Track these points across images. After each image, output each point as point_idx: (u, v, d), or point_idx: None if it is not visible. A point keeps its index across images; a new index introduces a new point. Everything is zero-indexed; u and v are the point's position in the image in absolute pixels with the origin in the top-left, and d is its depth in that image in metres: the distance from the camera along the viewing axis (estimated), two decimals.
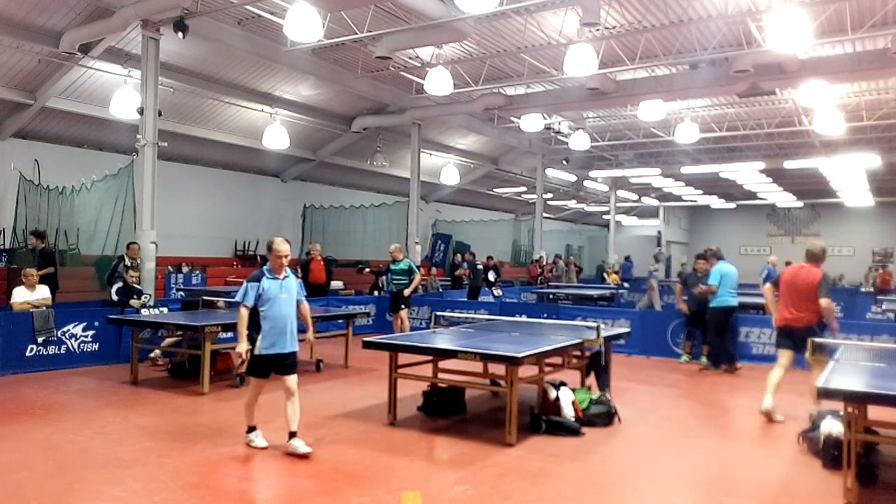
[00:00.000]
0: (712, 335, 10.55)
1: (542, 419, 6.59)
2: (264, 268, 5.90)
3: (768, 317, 12.28)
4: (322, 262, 14.47)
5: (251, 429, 5.94)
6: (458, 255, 21.14)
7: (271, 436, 6.26)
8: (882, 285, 22.64)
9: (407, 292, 11.98)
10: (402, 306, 11.97)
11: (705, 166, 24.01)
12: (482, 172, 26.27)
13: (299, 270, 14.09)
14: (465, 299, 16.32)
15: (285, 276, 5.89)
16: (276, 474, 5.42)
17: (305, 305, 6.14)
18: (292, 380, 5.79)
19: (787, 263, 10.98)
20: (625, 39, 12.68)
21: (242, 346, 5.70)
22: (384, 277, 13.97)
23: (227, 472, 5.36)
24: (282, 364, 5.78)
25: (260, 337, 5.74)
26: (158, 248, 11.50)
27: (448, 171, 23.01)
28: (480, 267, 18.14)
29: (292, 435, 5.69)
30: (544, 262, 22.96)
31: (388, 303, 12.83)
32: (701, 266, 11.08)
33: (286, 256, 5.84)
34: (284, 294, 5.80)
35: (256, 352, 5.73)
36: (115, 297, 10.42)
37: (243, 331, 5.73)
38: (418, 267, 13.38)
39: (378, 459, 5.67)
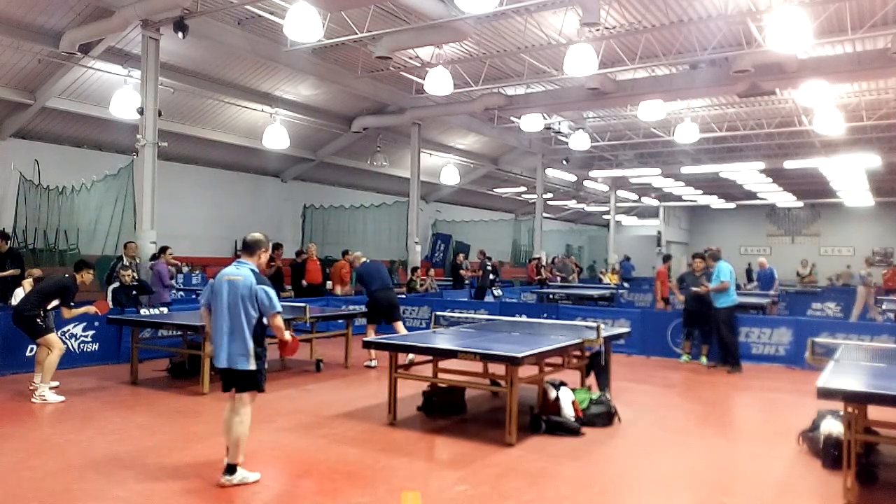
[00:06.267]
0: (728, 333, 10.45)
1: (542, 419, 6.59)
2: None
3: (768, 317, 12.56)
4: (318, 263, 14.43)
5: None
6: (461, 255, 21.13)
7: (272, 436, 6.28)
8: (890, 286, 20.62)
9: None
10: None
11: (705, 166, 23.99)
12: (482, 172, 26.27)
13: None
14: (466, 299, 16.39)
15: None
16: (276, 474, 5.42)
17: None
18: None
19: None
20: (625, 39, 12.67)
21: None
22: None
23: None
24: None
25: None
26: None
27: (448, 171, 23.00)
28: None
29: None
30: (543, 262, 22.92)
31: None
32: (698, 265, 11.09)
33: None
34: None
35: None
36: (110, 297, 10.42)
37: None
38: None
39: (378, 459, 5.66)
